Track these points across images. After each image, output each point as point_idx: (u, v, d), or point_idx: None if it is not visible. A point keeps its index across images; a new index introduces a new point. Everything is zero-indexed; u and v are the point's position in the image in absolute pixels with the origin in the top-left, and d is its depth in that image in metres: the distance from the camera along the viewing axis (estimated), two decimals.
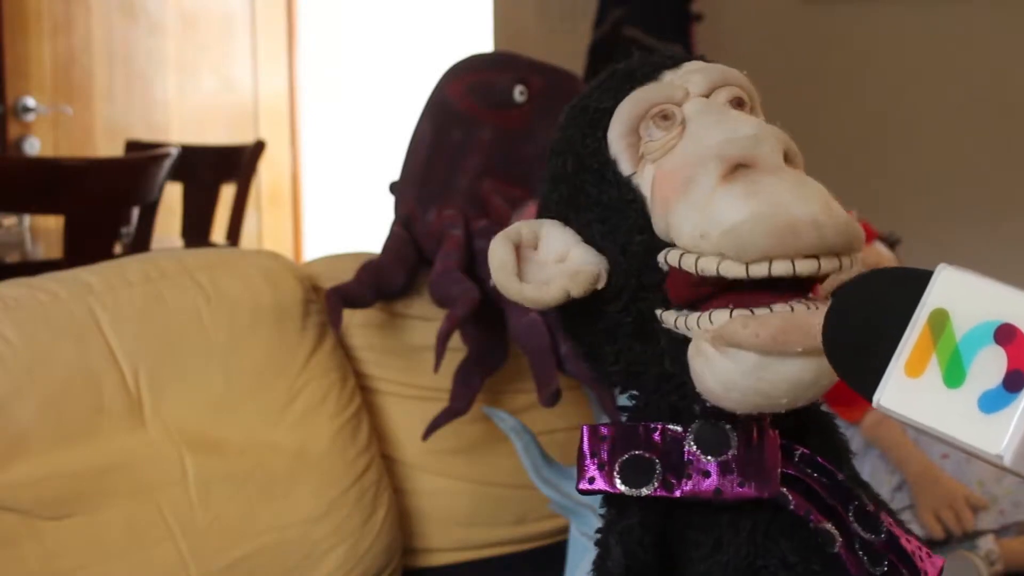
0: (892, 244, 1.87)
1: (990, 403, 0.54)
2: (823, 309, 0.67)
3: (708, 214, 0.69)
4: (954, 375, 0.55)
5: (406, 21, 4.68)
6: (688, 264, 0.71)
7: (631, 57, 0.82)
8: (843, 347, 0.62)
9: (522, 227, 0.79)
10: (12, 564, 1.25)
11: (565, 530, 1.57)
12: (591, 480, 0.76)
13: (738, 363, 0.68)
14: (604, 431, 0.77)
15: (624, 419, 0.80)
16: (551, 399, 1.41)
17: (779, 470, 0.74)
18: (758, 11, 3.20)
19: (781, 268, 0.67)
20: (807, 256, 0.68)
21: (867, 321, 0.60)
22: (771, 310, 0.69)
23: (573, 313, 0.80)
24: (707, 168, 0.70)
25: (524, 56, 1.65)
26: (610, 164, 0.77)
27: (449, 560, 1.65)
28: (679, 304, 0.74)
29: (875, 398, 0.58)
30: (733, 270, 0.68)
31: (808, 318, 0.67)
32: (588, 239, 0.78)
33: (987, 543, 1.63)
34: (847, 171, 3.02)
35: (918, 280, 0.58)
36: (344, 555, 1.47)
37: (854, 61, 3.13)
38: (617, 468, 0.75)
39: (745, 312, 0.69)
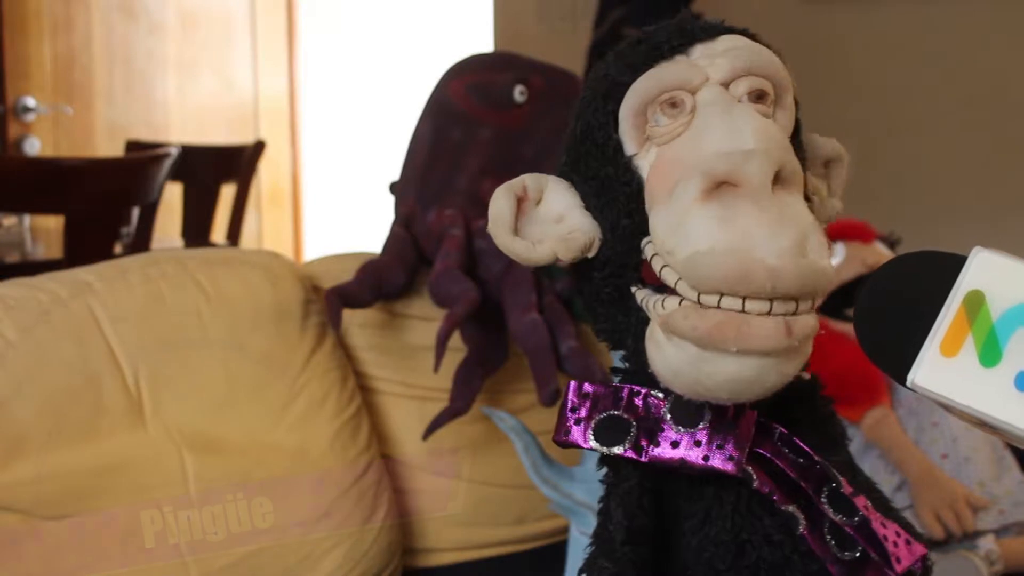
0: (892, 244, 1.87)
1: None
2: (777, 315, 0.67)
3: (679, 230, 0.69)
4: (990, 355, 0.56)
5: (406, 21, 4.68)
6: (656, 266, 0.72)
7: (667, 23, 0.80)
8: (875, 328, 0.62)
9: (528, 180, 0.80)
10: (12, 564, 1.25)
11: (565, 530, 1.57)
12: (566, 433, 0.78)
13: (682, 351, 0.69)
14: (589, 388, 0.79)
15: (616, 380, 0.81)
16: (551, 398, 1.41)
17: (747, 448, 0.74)
18: (758, 11, 3.20)
19: (729, 304, 0.67)
20: (759, 298, 0.67)
21: (900, 303, 0.61)
22: (719, 306, 0.68)
23: (575, 270, 0.82)
24: (691, 179, 0.69)
25: (524, 56, 1.65)
26: (614, 141, 0.77)
27: (449, 560, 1.65)
28: (651, 285, 0.75)
29: (909, 377, 0.58)
30: (687, 292, 0.69)
31: (749, 320, 0.66)
32: (587, 206, 0.79)
33: (987, 543, 1.63)
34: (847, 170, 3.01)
35: (952, 263, 0.59)
36: (344, 555, 1.47)
37: (854, 61, 3.13)
38: (593, 425, 0.77)
39: (693, 302, 0.69)
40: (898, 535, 0.75)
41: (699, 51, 0.77)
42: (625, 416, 0.77)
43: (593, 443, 0.77)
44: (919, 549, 0.76)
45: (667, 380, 0.71)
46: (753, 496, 0.77)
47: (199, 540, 1.37)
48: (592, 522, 0.84)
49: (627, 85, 0.76)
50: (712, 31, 0.78)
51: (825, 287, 0.69)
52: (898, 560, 0.74)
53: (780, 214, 0.67)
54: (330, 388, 1.53)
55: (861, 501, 0.76)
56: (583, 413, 0.78)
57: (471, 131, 1.57)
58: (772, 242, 0.66)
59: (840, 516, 0.75)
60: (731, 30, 0.79)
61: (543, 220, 0.80)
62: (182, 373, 1.42)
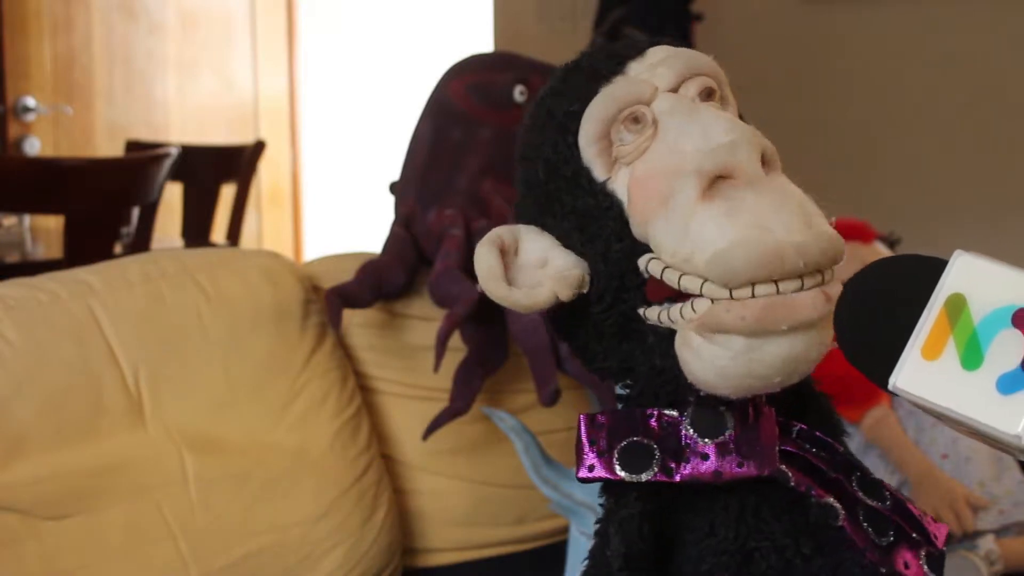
0: (892, 244, 1.88)
1: (1008, 385, 0.55)
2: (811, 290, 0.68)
3: (691, 236, 0.68)
4: (972, 358, 0.56)
5: (406, 21, 4.68)
6: (671, 279, 0.70)
7: (592, 50, 0.80)
8: (856, 332, 0.62)
9: (503, 232, 0.78)
10: (12, 564, 1.25)
11: (565, 530, 1.57)
12: (591, 468, 0.76)
13: (727, 348, 0.68)
14: (601, 419, 0.77)
15: (620, 407, 0.80)
16: (551, 398, 1.41)
17: (777, 447, 0.74)
18: (758, 11, 3.20)
19: (764, 291, 0.67)
20: (791, 278, 0.67)
21: (881, 306, 0.61)
22: (753, 295, 0.68)
23: (561, 314, 0.80)
24: (685, 183, 0.69)
25: (524, 56, 1.65)
26: (583, 171, 0.76)
27: (449, 560, 1.65)
28: (658, 302, 0.74)
29: (891, 380, 0.58)
30: (716, 293, 0.68)
31: (791, 295, 0.67)
32: (567, 244, 0.77)
33: (987, 543, 1.63)
34: (847, 171, 3.02)
35: (933, 266, 0.59)
36: (344, 555, 1.47)
37: (854, 61, 3.13)
38: (616, 455, 0.75)
39: (724, 299, 0.69)
40: (925, 515, 0.76)
41: (634, 68, 0.77)
42: (645, 440, 0.75)
43: (621, 473, 0.75)
44: (943, 527, 0.77)
45: (710, 384, 0.70)
46: (760, 502, 0.76)
47: (199, 540, 1.37)
48: (592, 522, 0.84)
49: (578, 115, 0.76)
50: (639, 47, 0.78)
51: (842, 251, 0.70)
52: (935, 536, 0.75)
53: (779, 195, 0.68)
54: (330, 388, 1.53)
55: (887, 485, 0.76)
56: (603, 445, 0.76)
57: (471, 131, 1.57)
58: (784, 221, 0.67)
59: (875, 501, 0.75)
60: (656, 42, 0.79)
61: (526, 267, 0.78)
62: (182, 373, 1.42)
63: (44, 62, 3.79)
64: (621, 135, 0.74)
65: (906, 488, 1.70)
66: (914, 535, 0.75)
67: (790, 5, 3.18)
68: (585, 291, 0.76)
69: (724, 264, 0.66)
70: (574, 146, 0.76)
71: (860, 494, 0.75)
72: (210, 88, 4.16)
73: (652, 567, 0.77)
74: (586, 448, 0.76)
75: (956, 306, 0.57)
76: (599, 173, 0.75)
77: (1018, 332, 0.55)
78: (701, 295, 0.69)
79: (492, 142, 1.56)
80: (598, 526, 0.80)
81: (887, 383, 0.59)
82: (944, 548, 0.76)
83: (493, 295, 0.76)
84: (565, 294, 0.76)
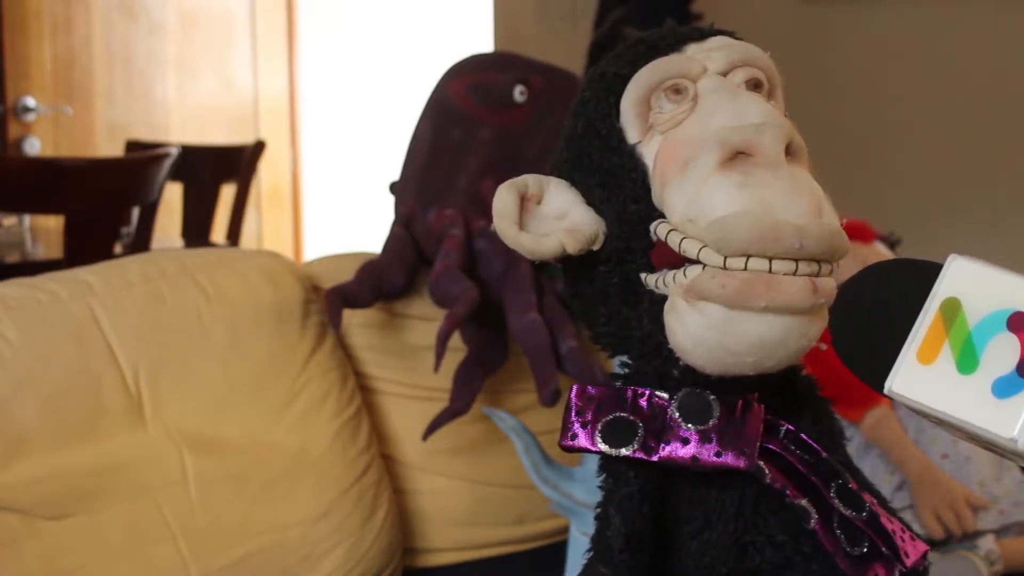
0: (892, 244, 1.88)
1: (1003, 388, 0.55)
2: (800, 277, 0.68)
3: (699, 199, 0.70)
4: (967, 362, 0.56)
5: (406, 21, 4.68)
6: (673, 242, 0.72)
7: (660, 29, 0.83)
8: (852, 336, 0.62)
9: (530, 180, 0.80)
10: (12, 564, 1.25)
11: (565, 530, 1.57)
12: (573, 437, 0.78)
13: (706, 316, 0.69)
14: (592, 391, 0.79)
15: (617, 384, 0.81)
16: (551, 398, 1.41)
17: (758, 443, 0.75)
18: (758, 11, 3.20)
19: (757, 265, 0.68)
20: (786, 258, 0.68)
21: (877, 311, 0.61)
22: (745, 268, 0.69)
23: (574, 270, 0.82)
24: (707, 152, 0.71)
25: (524, 56, 1.65)
26: (617, 131, 0.78)
27: (449, 560, 1.65)
28: (660, 268, 0.76)
29: (887, 384, 0.59)
30: (712, 259, 0.70)
31: (778, 277, 0.68)
32: (590, 201, 0.80)
33: (987, 543, 1.63)
34: (847, 171, 3.02)
35: (928, 271, 0.59)
36: (344, 555, 1.47)
37: (854, 61, 3.13)
38: (600, 427, 0.77)
39: (718, 267, 0.70)
40: (903, 531, 0.76)
41: (693, 49, 0.79)
42: (631, 417, 0.77)
43: (601, 445, 0.76)
44: (922, 546, 0.77)
45: (686, 351, 0.71)
46: (759, 497, 0.77)
47: (199, 540, 1.37)
48: (592, 522, 0.84)
49: (628, 77, 0.78)
50: (703, 33, 0.81)
51: (844, 250, 0.70)
52: (906, 554, 0.75)
53: (795, 182, 0.70)
54: (330, 388, 1.53)
55: (867, 497, 0.77)
56: (588, 416, 0.78)
57: (471, 131, 1.57)
58: (792, 205, 0.68)
59: (850, 511, 0.75)
60: (721, 32, 0.82)
61: (546, 218, 0.80)
62: (182, 373, 1.42)
63: (44, 62, 3.79)
64: (661, 103, 0.76)
65: (906, 488, 1.70)
66: (883, 549, 0.75)
67: (790, 5, 3.18)
68: (596, 248, 0.78)
69: (723, 230, 0.68)
70: (615, 106, 0.78)
71: (836, 502, 0.76)
72: (210, 88, 4.16)
73: (653, 551, 0.78)
74: (572, 416, 0.78)
75: (951, 310, 0.57)
76: (632, 136, 0.78)
77: (1013, 336, 0.55)
78: (698, 260, 0.70)
79: (492, 142, 1.56)
80: (598, 510, 0.80)
81: (883, 387, 0.59)
82: (917, 566, 0.76)
83: (502, 235, 0.78)
84: (572, 247, 0.77)
